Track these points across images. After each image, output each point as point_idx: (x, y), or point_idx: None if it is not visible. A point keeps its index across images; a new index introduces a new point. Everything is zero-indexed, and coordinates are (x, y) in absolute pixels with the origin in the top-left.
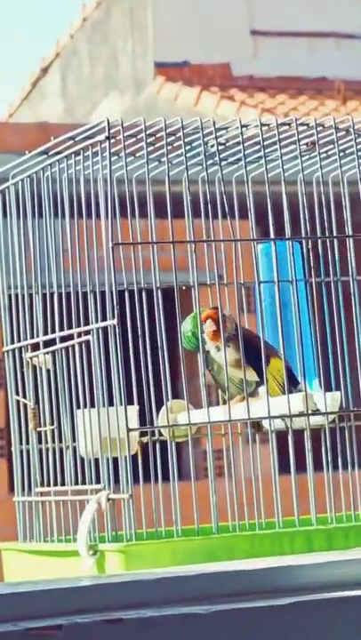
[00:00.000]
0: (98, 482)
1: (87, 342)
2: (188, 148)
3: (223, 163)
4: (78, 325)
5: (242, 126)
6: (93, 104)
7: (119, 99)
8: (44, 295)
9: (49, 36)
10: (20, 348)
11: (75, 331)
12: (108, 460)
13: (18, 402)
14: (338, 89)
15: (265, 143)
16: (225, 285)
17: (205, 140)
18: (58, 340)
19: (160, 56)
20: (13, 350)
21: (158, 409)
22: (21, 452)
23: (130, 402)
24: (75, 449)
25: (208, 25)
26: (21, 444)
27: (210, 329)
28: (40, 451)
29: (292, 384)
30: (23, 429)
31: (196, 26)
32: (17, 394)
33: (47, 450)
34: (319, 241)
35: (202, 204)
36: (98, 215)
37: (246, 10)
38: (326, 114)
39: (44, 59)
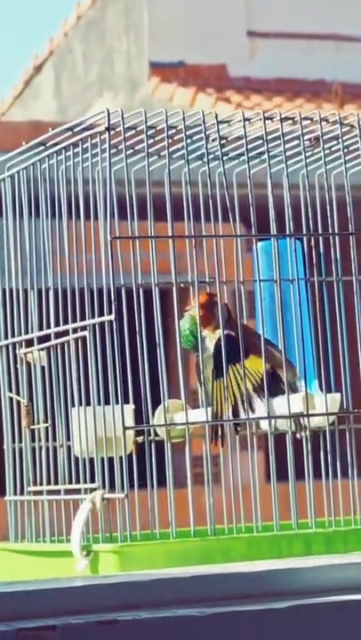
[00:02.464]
0: (92, 481)
1: (83, 339)
2: (189, 141)
3: (225, 158)
4: (74, 321)
5: (245, 119)
6: (87, 104)
7: (113, 99)
8: (40, 290)
9: (42, 33)
10: (14, 344)
11: (70, 326)
12: (102, 459)
13: (11, 399)
14: (336, 92)
15: (268, 138)
16: (224, 284)
17: (207, 133)
18: (53, 336)
19: (155, 56)
20: (7, 346)
21: (154, 408)
22: (13, 450)
23: (125, 400)
24: (69, 447)
25: (204, 25)
26: (14, 442)
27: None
28: (33, 449)
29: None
30: (16, 427)
31: (193, 26)
32: (10, 390)
33: (40, 448)
34: (321, 239)
35: (202, 201)
36: (96, 210)
37: (243, 10)
38: (318, 111)
39: (37, 57)
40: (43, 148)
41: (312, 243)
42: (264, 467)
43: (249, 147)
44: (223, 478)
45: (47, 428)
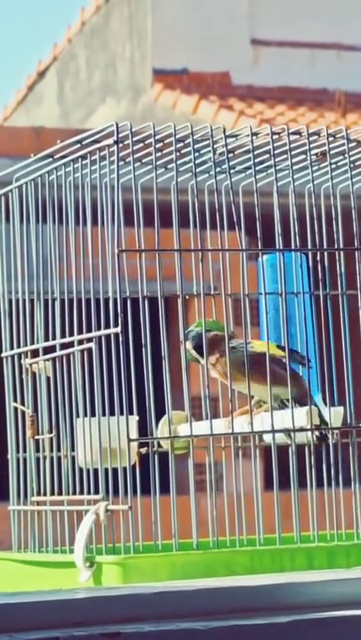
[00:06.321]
0: (96, 492)
1: (88, 350)
2: (196, 155)
3: (231, 171)
4: (80, 332)
5: (252, 134)
6: (90, 110)
7: (116, 105)
8: (46, 301)
9: (46, 39)
10: (20, 354)
11: (76, 338)
12: (107, 470)
13: (16, 409)
14: (338, 101)
15: (275, 152)
16: (229, 296)
17: (214, 147)
18: (58, 347)
19: (159, 63)
20: (13, 356)
21: (157, 420)
22: (18, 460)
23: (130, 411)
24: (73, 458)
25: (208, 32)
26: (18, 451)
27: None
28: (37, 459)
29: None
30: (20, 437)
31: (196, 33)
32: (15, 400)
33: (44, 458)
34: (326, 253)
35: (208, 214)
36: (103, 221)
37: (247, 18)
38: (326, 126)
39: (41, 62)
40: (50, 160)
41: (318, 257)
42: (263, 475)
43: (256, 160)
44: (225, 486)
45: (52, 438)
